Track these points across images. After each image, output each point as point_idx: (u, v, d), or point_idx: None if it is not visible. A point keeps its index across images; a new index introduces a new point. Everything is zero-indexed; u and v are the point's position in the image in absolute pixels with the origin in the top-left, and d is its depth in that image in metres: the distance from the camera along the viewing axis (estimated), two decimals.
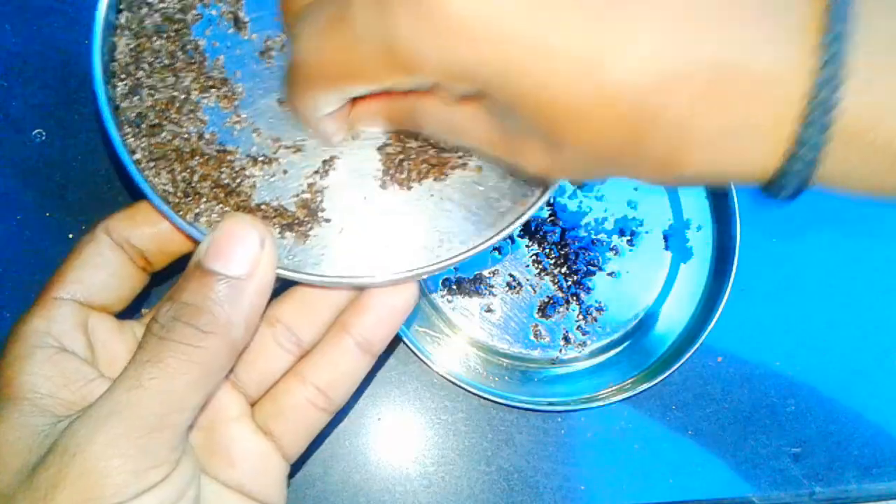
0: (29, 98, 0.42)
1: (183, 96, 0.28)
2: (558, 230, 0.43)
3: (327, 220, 0.27)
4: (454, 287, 0.41)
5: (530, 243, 0.42)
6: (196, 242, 0.26)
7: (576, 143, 0.18)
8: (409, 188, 0.27)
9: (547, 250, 0.42)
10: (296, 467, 0.39)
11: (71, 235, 0.40)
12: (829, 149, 0.17)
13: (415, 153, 0.27)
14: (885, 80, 0.17)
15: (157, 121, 0.27)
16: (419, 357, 0.39)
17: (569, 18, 0.16)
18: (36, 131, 0.43)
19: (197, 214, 0.26)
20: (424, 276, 0.27)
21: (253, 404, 0.28)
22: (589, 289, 0.42)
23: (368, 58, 0.19)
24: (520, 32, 0.16)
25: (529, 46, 0.17)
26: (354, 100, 0.24)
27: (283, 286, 0.28)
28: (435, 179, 0.27)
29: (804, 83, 0.17)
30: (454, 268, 0.42)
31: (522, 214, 0.27)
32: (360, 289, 0.28)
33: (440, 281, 0.42)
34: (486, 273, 0.42)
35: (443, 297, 0.42)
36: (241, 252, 0.23)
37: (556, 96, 0.17)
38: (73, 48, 0.45)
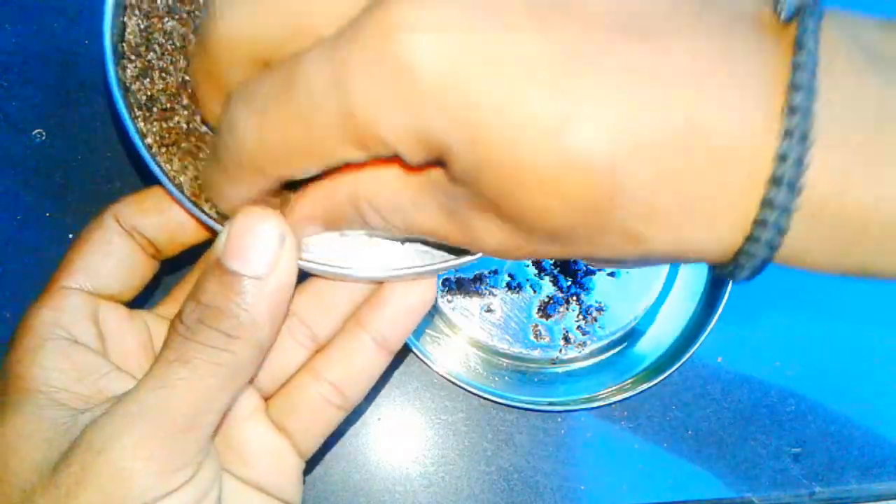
0: (29, 98, 0.42)
1: None
2: None
3: None
4: (454, 287, 0.41)
5: None
6: (210, 231, 0.25)
7: (537, 213, 0.17)
8: None
9: None
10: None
11: (71, 235, 0.40)
12: (792, 222, 0.17)
13: None
14: (853, 149, 0.16)
15: (168, 105, 0.26)
16: (419, 357, 0.39)
17: (536, 82, 0.16)
18: (36, 131, 0.43)
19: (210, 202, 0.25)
20: (444, 271, 0.27)
21: (267, 399, 0.27)
22: (589, 289, 0.42)
23: (322, 130, 0.17)
24: (486, 95, 0.16)
25: (496, 110, 0.16)
26: (283, 203, 0.22)
27: (299, 277, 0.27)
28: None
29: (770, 150, 0.16)
30: (454, 268, 0.42)
31: None
32: (379, 283, 0.27)
33: (440, 281, 0.42)
34: (486, 273, 0.42)
35: (443, 297, 0.42)
36: (259, 250, 0.22)
37: (520, 162, 0.16)
38: (73, 48, 0.45)
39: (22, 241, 0.40)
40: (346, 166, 0.20)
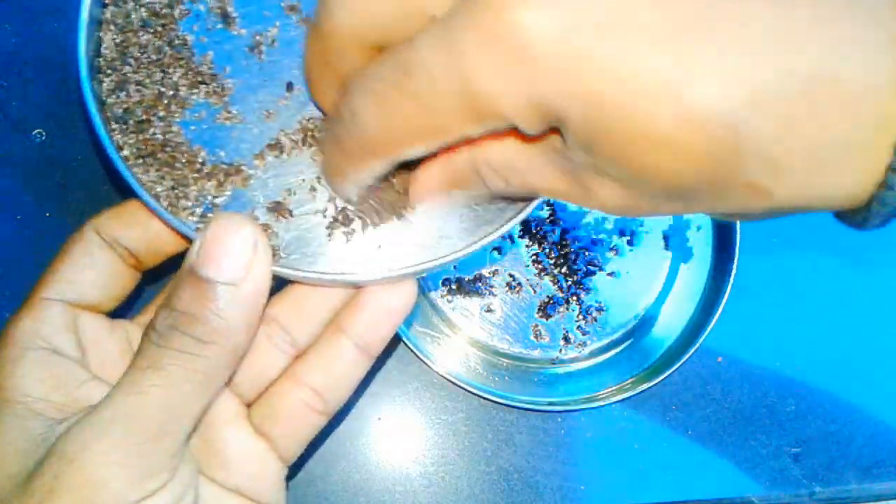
0: (29, 98, 0.42)
1: (171, 92, 0.27)
2: (558, 230, 0.43)
3: (323, 215, 0.27)
4: (454, 287, 0.41)
5: (530, 243, 0.42)
6: (188, 240, 0.25)
7: (659, 174, 0.17)
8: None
9: (547, 250, 0.42)
10: (296, 467, 0.39)
11: None
12: None
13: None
14: None
15: (144, 117, 0.27)
16: (419, 357, 0.39)
17: (651, 40, 0.16)
18: (36, 131, 0.43)
19: (187, 211, 0.26)
20: (423, 274, 0.27)
21: (249, 405, 0.27)
22: (589, 289, 0.42)
23: (441, 109, 0.18)
24: (601, 60, 0.16)
25: (612, 73, 0.16)
26: (401, 173, 0.22)
27: (279, 284, 0.27)
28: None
29: None
30: (454, 266, 0.42)
31: (521, 211, 0.26)
32: (357, 287, 0.27)
33: (440, 281, 0.42)
34: (486, 273, 0.42)
35: (443, 297, 0.42)
36: (232, 256, 0.22)
37: (641, 123, 0.16)
38: (73, 48, 0.45)
39: (22, 240, 0.40)
40: (464, 142, 0.20)
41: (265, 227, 0.26)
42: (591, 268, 0.42)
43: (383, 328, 0.27)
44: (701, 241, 0.43)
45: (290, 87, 0.28)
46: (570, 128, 0.17)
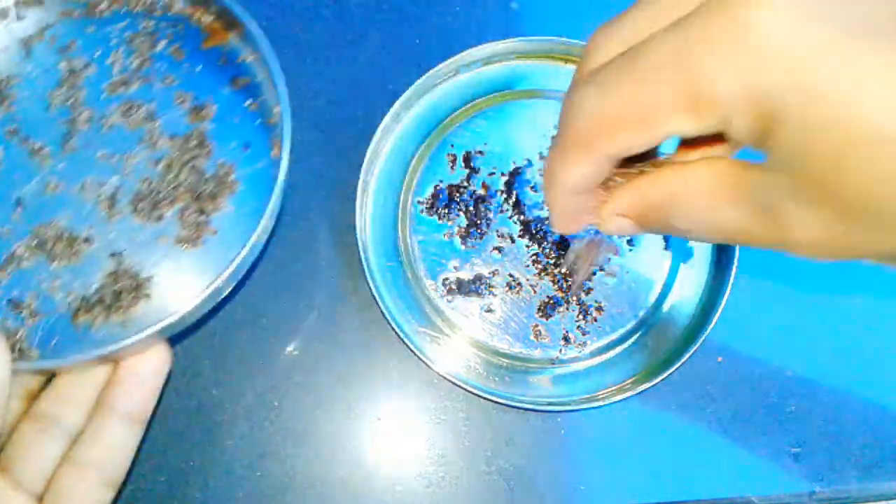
0: None
1: None
2: None
3: (68, 307, 0.31)
4: (454, 287, 0.41)
5: (530, 243, 0.42)
6: None
7: (871, 186, 0.16)
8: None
9: (547, 250, 0.42)
10: (296, 468, 0.39)
11: None
12: None
13: None
14: None
15: None
16: (419, 357, 0.39)
17: (888, 51, 0.15)
18: None
19: None
20: (166, 335, 0.30)
21: (41, 498, 0.29)
22: (589, 289, 0.42)
23: (658, 93, 0.18)
24: (830, 57, 0.15)
25: (840, 71, 0.15)
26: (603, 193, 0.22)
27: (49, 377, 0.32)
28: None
29: None
30: (454, 267, 0.42)
31: (239, 256, 0.30)
32: (107, 360, 0.30)
33: (440, 281, 0.42)
34: (486, 273, 0.42)
35: (443, 297, 0.42)
36: None
37: (865, 127, 0.15)
38: None
39: None
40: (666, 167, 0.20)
41: (10, 330, 0.30)
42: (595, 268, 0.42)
43: (143, 394, 0.30)
44: (701, 241, 0.43)
45: (19, 202, 0.33)
46: (781, 133, 0.16)
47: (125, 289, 0.32)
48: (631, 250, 0.43)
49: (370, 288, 0.39)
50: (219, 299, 0.32)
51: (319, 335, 0.41)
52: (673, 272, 0.43)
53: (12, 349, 0.30)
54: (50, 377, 0.32)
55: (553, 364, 0.41)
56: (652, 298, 0.42)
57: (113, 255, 0.33)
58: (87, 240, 0.33)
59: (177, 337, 0.38)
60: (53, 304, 0.32)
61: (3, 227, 0.33)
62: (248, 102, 0.36)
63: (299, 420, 0.40)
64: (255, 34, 0.34)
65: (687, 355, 0.39)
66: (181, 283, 0.33)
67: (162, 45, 0.36)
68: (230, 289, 0.33)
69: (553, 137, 0.23)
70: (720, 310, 0.40)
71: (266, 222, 0.31)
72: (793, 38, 0.15)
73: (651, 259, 0.43)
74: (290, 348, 0.41)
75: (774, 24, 0.16)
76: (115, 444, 0.30)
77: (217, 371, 0.40)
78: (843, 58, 0.15)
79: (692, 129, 0.18)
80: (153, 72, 0.36)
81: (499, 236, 0.42)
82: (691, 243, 0.43)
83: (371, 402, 0.41)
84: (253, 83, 0.36)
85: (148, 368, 0.30)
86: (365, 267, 0.40)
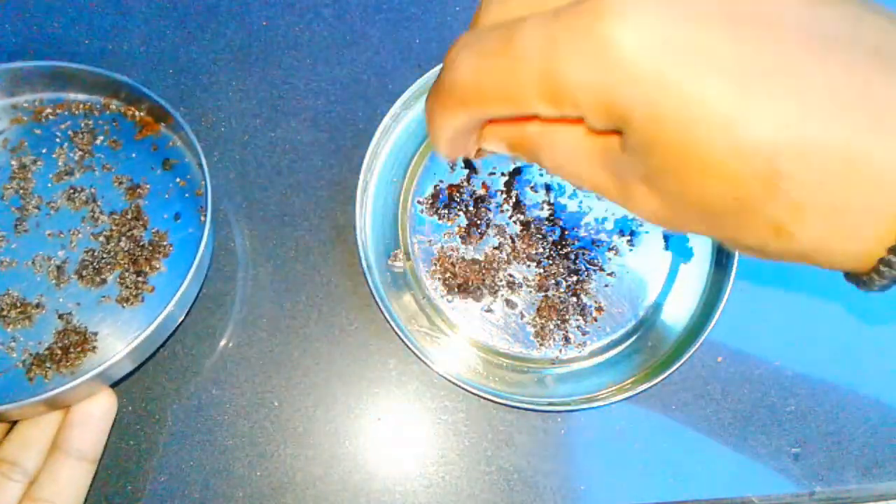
0: None
1: None
2: (558, 230, 0.43)
3: (22, 364, 0.36)
4: (454, 287, 0.41)
5: (530, 243, 0.42)
6: None
7: (696, 190, 0.19)
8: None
9: (547, 250, 0.42)
10: (296, 468, 0.39)
11: None
12: None
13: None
14: None
15: None
16: (419, 357, 0.39)
17: (721, 73, 0.18)
18: None
19: None
20: (113, 378, 0.36)
21: None
22: (589, 289, 0.42)
23: (525, 79, 0.20)
24: (673, 79, 0.18)
25: (679, 93, 0.18)
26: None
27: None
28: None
29: None
30: (453, 267, 0.42)
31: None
32: (59, 407, 0.35)
33: (440, 281, 0.42)
34: (485, 273, 0.42)
35: (443, 297, 0.42)
36: None
37: (692, 143, 0.18)
38: (74, 49, 0.45)
39: None
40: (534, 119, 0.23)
41: None
42: (591, 268, 0.42)
43: (92, 435, 0.35)
44: (701, 241, 0.43)
45: None
46: (630, 132, 0.19)
47: (72, 343, 0.37)
48: (631, 250, 0.43)
49: (370, 288, 0.39)
50: (153, 348, 0.38)
51: (319, 335, 0.41)
52: (673, 272, 0.43)
53: None
54: (11, 427, 0.36)
55: (553, 364, 0.41)
56: (652, 298, 0.42)
57: (61, 316, 0.38)
58: (38, 305, 0.38)
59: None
60: (10, 362, 0.37)
61: None
62: (177, 180, 0.41)
63: (299, 420, 0.40)
64: (181, 123, 0.39)
65: (687, 355, 0.39)
66: (124, 336, 0.38)
67: (101, 139, 0.41)
68: (163, 338, 0.38)
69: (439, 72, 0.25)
70: (720, 310, 0.40)
71: (191, 278, 0.36)
72: (641, 58, 0.18)
73: (651, 259, 0.43)
74: (290, 348, 0.41)
75: (627, 41, 0.18)
76: (68, 481, 0.34)
77: (217, 371, 0.40)
78: (679, 83, 0.18)
79: (553, 114, 0.21)
80: (94, 161, 0.41)
81: (499, 236, 0.42)
82: (690, 243, 0.43)
83: (371, 402, 0.41)
84: (182, 163, 0.41)
85: (97, 411, 0.35)
86: (365, 267, 0.40)
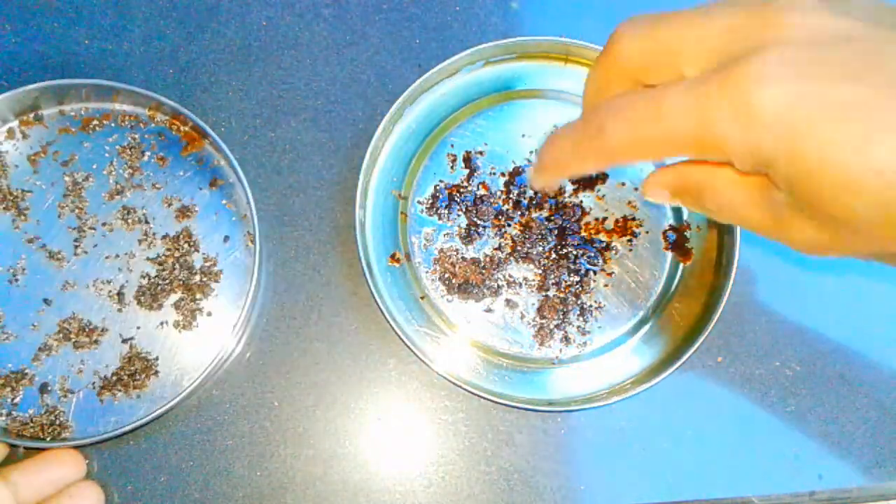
0: None
1: None
2: (558, 230, 0.43)
3: (92, 386, 0.39)
4: (454, 287, 0.41)
5: (530, 243, 0.42)
6: None
7: (843, 210, 0.22)
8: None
9: (546, 250, 0.42)
10: (296, 468, 0.39)
11: None
12: None
13: None
14: None
15: None
16: (419, 357, 0.39)
17: (850, 118, 0.21)
18: None
19: None
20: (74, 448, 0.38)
21: None
22: (589, 289, 0.42)
23: (680, 138, 0.24)
24: (812, 126, 0.21)
25: (817, 136, 0.22)
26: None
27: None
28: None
29: None
30: (454, 267, 0.42)
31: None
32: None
33: (440, 281, 0.42)
34: (485, 273, 0.42)
35: (443, 297, 0.42)
36: None
37: (835, 172, 0.22)
38: (73, 48, 0.45)
39: None
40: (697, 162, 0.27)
41: (49, 406, 0.39)
42: (592, 268, 0.42)
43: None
44: (701, 241, 0.43)
45: (47, 301, 0.40)
46: (774, 172, 0.23)
47: (138, 370, 0.39)
48: (631, 250, 0.43)
49: (370, 288, 0.39)
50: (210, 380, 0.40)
51: (319, 335, 0.41)
52: (673, 272, 0.43)
53: (52, 423, 0.38)
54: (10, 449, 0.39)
55: (553, 364, 0.41)
56: (652, 298, 0.42)
57: (125, 340, 0.40)
58: (103, 330, 0.40)
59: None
60: (80, 384, 0.39)
61: (33, 322, 0.40)
62: (224, 201, 0.42)
63: (299, 420, 0.40)
64: (220, 145, 0.40)
65: (687, 355, 0.39)
66: (182, 360, 0.40)
67: (147, 155, 0.42)
68: (221, 368, 0.41)
69: (573, 126, 0.28)
70: (720, 310, 0.40)
71: (248, 305, 0.39)
72: (783, 114, 0.22)
73: (651, 259, 0.43)
74: (290, 348, 0.41)
75: (769, 101, 0.22)
76: None
77: (217, 371, 0.40)
78: (816, 128, 0.21)
79: (696, 157, 0.25)
80: (143, 180, 0.42)
81: (499, 236, 0.42)
82: (690, 243, 0.43)
83: (371, 402, 0.41)
84: (227, 184, 0.42)
85: (66, 473, 0.37)
86: (365, 267, 0.40)
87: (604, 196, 0.43)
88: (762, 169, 0.23)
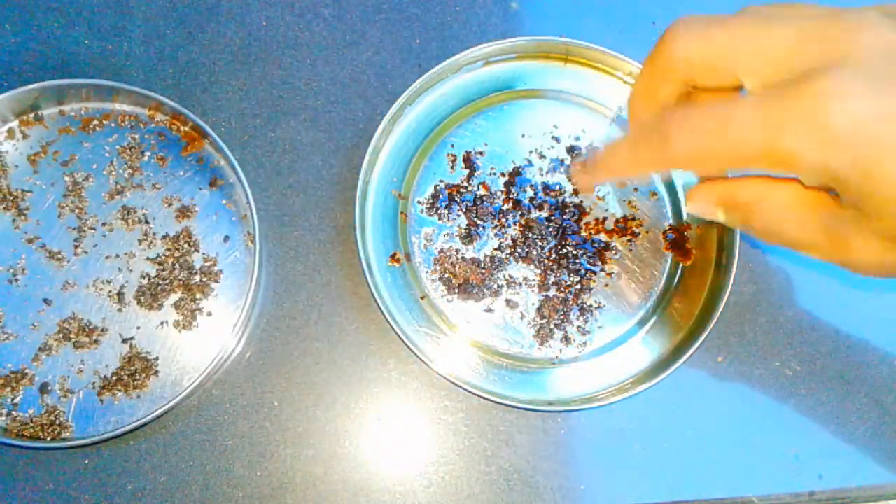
0: None
1: None
2: (558, 230, 0.43)
3: (92, 386, 0.39)
4: (454, 287, 0.41)
5: (530, 243, 0.42)
6: None
7: None
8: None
9: (546, 250, 0.42)
10: (296, 468, 0.39)
11: None
12: None
13: None
14: None
15: None
16: (419, 357, 0.39)
17: None
18: None
19: None
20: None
21: None
22: (589, 289, 0.42)
23: (748, 151, 0.23)
24: (882, 141, 0.21)
25: (888, 149, 0.21)
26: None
27: None
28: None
29: None
30: (453, 267, 0.42)
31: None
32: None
33: (440, 281, 0.42)
34: (485, 273, 0.42)
35: (443, 297, 0.42)
36: None
37: None
38: (73, 48, 0.45)
39: None
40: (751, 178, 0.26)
41: (49, 406, 0.39)
42: (591, 268, 0.42)
43: None
44: (701, 242, 0.43)
45: (47, 301, 0.40)
46: (844, 188, 0.23)
47: (138, 370, 0.39)
48: (631, 250, 0.43)
49: (370, 288, 0.39)
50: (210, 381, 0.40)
51: (319, 335, 0.41)
52: (673, 272, 0.43)
53: (52, 423, 0.38)
54: None
55: (553, 364, 0.41)
56: (652, 298, 0.42)
57: (125, 340, 0.40)
58: (102, 330, 0.40)
59: None
60: (80, 384, 0.39)
61: (33, 322, 0.40)
62: (224, 201, 0.42)
63: (299, 420, 0.40)
64: (220, 145, 0.40)
65: (687, 355, 0.39)
66: (181, 359, 0.40)
67: (147, 155, 0.42)
68: (222, 367, 0.40)
69: (634, 131, 0.28)
70: (720, 309, 0.40)
71: (248, 305, 0.39)
72: (854, 129, 0.21)
73: (651, 259, 0.43)
74: (290, 348, 0.41)
75: (842, 119, 0.21)
76: None
77: (217, 371, 0.40)
78: (887, 142, 0.21)
79: (765, 172, 0.24)
80: (143, 180, 0.42)
81: (499, 236, 0.42)
82: (690, 243, 0.43)
83: (371, 402, 0.41)
84: (227, 184, 0.42)
85: None
86: (365, 267, 0.40)
87: (604, 196, 0.43)
88: (830, 184, 0.23)
